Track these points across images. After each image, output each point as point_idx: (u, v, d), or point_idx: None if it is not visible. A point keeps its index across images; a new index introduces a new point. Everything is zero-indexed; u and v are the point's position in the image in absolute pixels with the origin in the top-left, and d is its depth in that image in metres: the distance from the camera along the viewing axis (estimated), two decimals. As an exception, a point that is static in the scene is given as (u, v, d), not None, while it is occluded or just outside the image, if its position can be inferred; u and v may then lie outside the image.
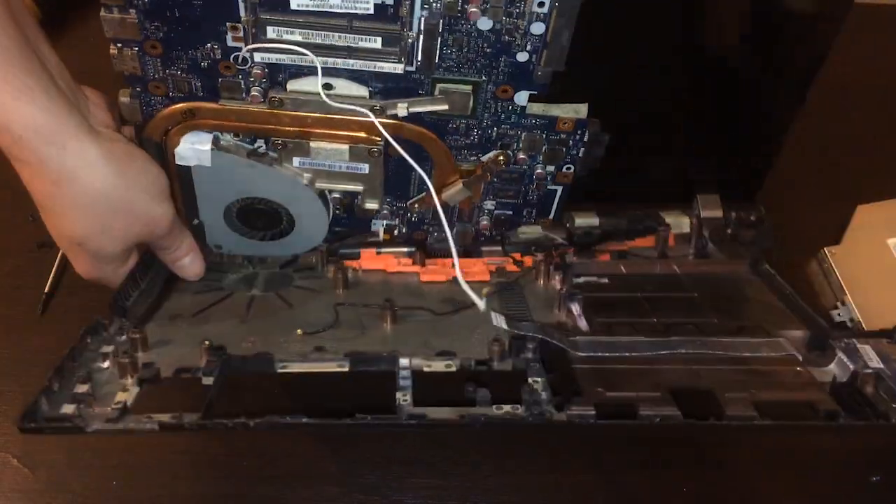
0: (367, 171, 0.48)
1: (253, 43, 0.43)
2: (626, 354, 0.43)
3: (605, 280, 0.53)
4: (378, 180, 0.49)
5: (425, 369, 0.43)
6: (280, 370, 0.42)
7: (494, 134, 0.48)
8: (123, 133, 0.47)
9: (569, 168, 0.50)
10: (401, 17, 0.42)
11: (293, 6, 0.42)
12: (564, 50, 0.43)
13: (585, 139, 0.48)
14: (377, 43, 0.43)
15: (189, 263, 0.51)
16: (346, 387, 0.42)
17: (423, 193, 0.51)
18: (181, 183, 0.49)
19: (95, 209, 0.43)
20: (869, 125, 0.72)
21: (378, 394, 0.41)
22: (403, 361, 0.43)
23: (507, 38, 0.43)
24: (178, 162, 0.47)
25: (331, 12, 0.42)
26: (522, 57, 0.44)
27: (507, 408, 0.39)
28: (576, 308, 0.49)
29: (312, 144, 0.47)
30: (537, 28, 0.42)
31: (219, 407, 0.39)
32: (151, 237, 0.48)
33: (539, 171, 0.50)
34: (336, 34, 0.43)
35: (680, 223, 0.58)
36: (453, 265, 0.44)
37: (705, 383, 0.41)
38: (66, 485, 0.46)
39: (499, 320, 0.45)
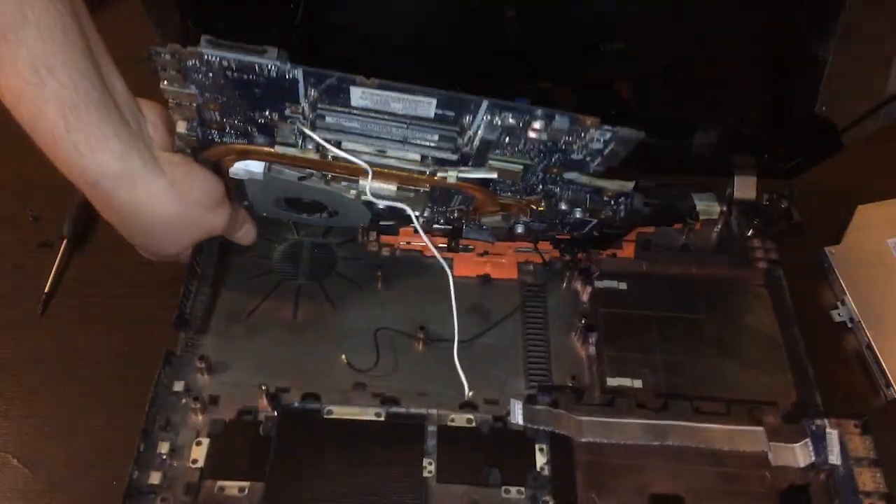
0: (411, 196, 0.49)
1: (310, 126, 0.44)
2: (622, 443, 0.47)
3: (624, 286, 0.56)
4: (422, 200, 0.49)
5: (450, 423, 0.48)
6: (326, 416, 0.47)
7: (540, 188, 0.49)
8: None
9: (608, 213, 0.51)
10: (460, 124, 0.43)
11: (353, 103, 0.42)
12: (620, 158, 0.44)
13: (628, 206, 0.50)
14: (433, 137, 0.44)
15: (244, 235, 0.53)
16: (382, 432, 0.47)
17: (462, 207, 0.52)
18: (234, 180, 0.49)
19: (161, 229, 0.46)
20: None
21: (407, 450, 0.46)
22: (431, 413, 0.48)
23: (563, 147, 0.44)
24: (231, 175, 0.48)
25: (390, 112, 0.43)
26: (577, 156, 0.45)
27: (514, 491, 0.45)
28: (592, 338, 0.52)
29: (361, 181, 0.48)
30: (596, 146, 0.43)
31: (278, 463, 0.45)
32: (212, 235, 0.51)
33: (579, 215, 0.51)
34: (393, 127, 0.44)
35: (710, 210, 0.58)
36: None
37: (681, 487, 0.46)
38: (66, 485, 0.46)
39: (516, 414, 0.47)
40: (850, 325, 0.56)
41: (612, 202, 0.49)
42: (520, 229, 0.54)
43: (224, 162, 0.47)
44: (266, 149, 0.46)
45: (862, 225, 0.60)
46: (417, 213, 0.50)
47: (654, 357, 0.52)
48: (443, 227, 0.55)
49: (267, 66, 0.40)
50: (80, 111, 0.39)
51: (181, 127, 0.46)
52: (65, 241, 0.58)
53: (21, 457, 0.48)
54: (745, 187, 0.58)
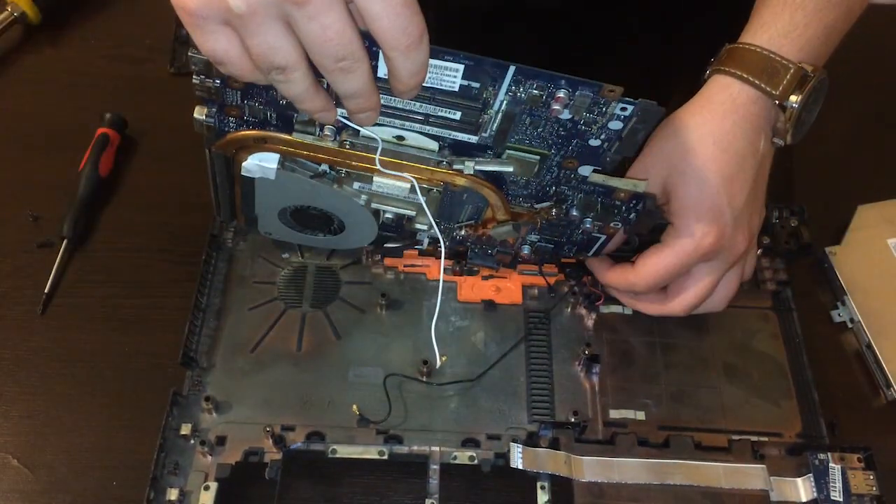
0: (423, 202, 0.48)
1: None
2: (623, 482, 0.48)
3: (630, 311, 0.56)
4: (432, 208, 0.49)
5: (452, 461, 0.48)
6: (331, 455, 0.48)
7: (552, 190, 0.48)
8: None
9: (616, 225, 0.50)
10: (483, 98, 0.42)
11: (378, 74, 0.41)
12: (637, 144, 0.44)
13: (640, 209, 0.49)
14: (455, 115, 0.43)
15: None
16: (386, 471, 0.48)
17: (472, 221, 0.51)
18: (242, 184, 0.49)
19: None
20: (869, 125, 0.72)
21: (410, 490, 0.47)
22: (434, 450, 0.49)
23: (583, 127, 0.43)
24: (243, 174, 0.47)
25: None
26: (595, 143, 0.44)
27: None
28: (595, 369, 0.53)
29: (376, 178, 0.47)
30: (615, 125, 0.42)
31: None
32: None
33: (588, 226, 0.50)
34: (416, 102, 0.43)
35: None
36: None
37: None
38: (66, 485, 0.46)
39: (516, 459, 0.47)
40: (850, 325, 0.56)
41: (624, 207, 0.49)
42: (526, 251, 0.54)
43: (236, 159, 0.47)
44: (283, 136, 0.45)
45: (862, 225, 0.59)
46: (425, 227, 0.50)
47: (658, 387, 0.53)
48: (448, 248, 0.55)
49: None
50: None
51: (199, 113, 0.44)
52: (65, 241, 0.58)
53: (21, 457, 0.48)
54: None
